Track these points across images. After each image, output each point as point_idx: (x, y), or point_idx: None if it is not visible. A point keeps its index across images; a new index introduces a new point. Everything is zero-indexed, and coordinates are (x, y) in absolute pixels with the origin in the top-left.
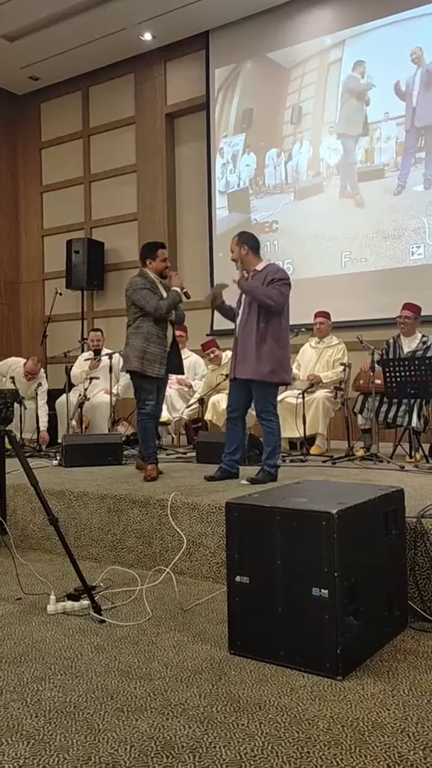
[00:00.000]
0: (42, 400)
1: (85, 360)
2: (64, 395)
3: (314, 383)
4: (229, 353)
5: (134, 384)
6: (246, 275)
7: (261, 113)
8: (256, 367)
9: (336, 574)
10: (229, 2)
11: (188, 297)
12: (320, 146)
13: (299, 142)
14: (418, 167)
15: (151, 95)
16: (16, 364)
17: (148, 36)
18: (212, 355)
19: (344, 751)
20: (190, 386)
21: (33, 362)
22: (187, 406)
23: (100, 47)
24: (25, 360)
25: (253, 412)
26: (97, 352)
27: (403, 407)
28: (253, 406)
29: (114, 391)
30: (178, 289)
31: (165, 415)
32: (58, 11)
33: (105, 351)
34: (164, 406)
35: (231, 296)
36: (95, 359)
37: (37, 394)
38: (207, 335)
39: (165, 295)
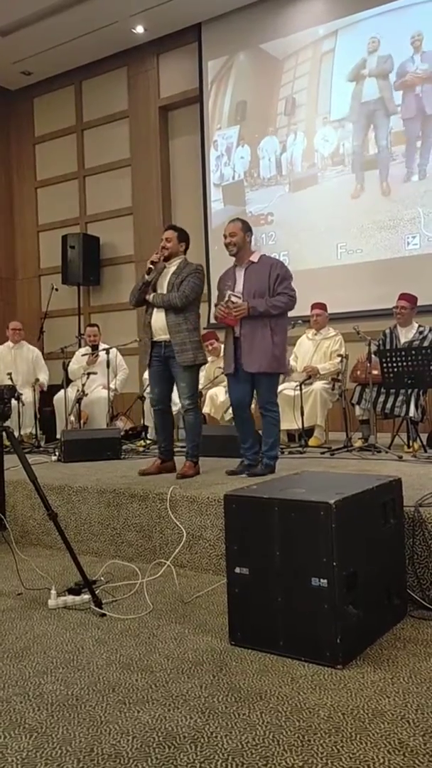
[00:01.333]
0: (39, 362)
1: (83, 355)
2: (62, 391)
3: (312, 375)
4: None
5: None
6: (243, 265)
7: (255, 105)
8: (267, 359)
9: (335, 564)
10: None
11: (148, 273)
12: (314, 137)
13: (293, 133)
14: (414, 157)
15: (144, 88)
16: None
17: (140, 29)
18: (210, 348)
19: (345, 738)
20: None
21: (15, 322)
22: None
23: (92, 41)
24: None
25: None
26: (95, 348)
27: (400, 397)
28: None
29: (112, 386)
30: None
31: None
32: (49, 5)
33: (102, 346)
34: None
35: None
36: (92, 354)
37: (35, 384)
38: (204, 328)
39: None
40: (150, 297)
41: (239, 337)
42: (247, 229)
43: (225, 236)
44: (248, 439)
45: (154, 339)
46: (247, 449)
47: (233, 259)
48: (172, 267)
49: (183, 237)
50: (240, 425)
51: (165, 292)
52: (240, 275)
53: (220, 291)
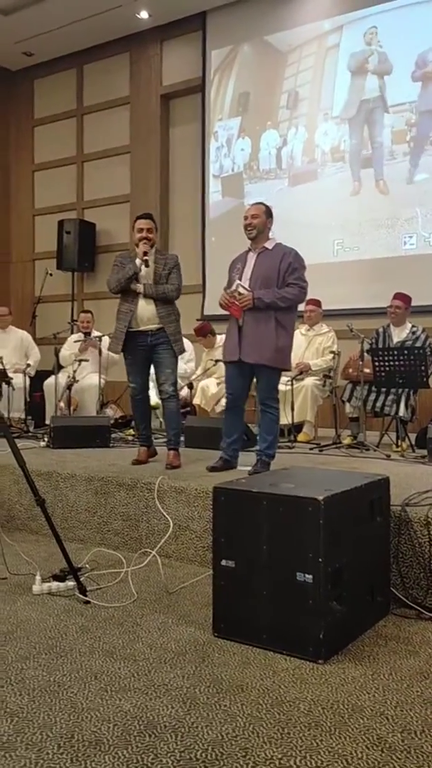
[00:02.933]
0: (30, 346)
1: (75, 342)
2: (53, 377)
3: (303, 371)
4: (221, 337)
5: None
6: (257, 250)
7: (257, 97)
8: (269, 352)
9: (320, 560)
10: None
11: (147, 265)
12: (315, 132)
13: (294, 127)
14: (421, 155)
15: (146, 75)
16: None
17: (144, 14)
18: (203, 340)
19: (324, 732)
20: None
21: (1, 308)
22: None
23: (95, 24)
24: None
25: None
26: (87, 334)
27: (391, 396)
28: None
29: (103, 373)
30: (137, 261)
31: (153, 399)
32: None
33: (95, 333)
34: (152, 390)
35: (221, 281)
36: (85, 341)
37: (26, 369)
38: (197, 320)
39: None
40: (140, 287)
41: (242, 327)
42: (269, 214)
43: (246, 217)
44: (233, 434)
45: (141, 328)
46: (230, 444)
47: (229, 251)
48: (151, 257)
49: (157, 226)
50: (230, 417)
51: (150, 281)
52: (251, 259)
53: (229, 274)
